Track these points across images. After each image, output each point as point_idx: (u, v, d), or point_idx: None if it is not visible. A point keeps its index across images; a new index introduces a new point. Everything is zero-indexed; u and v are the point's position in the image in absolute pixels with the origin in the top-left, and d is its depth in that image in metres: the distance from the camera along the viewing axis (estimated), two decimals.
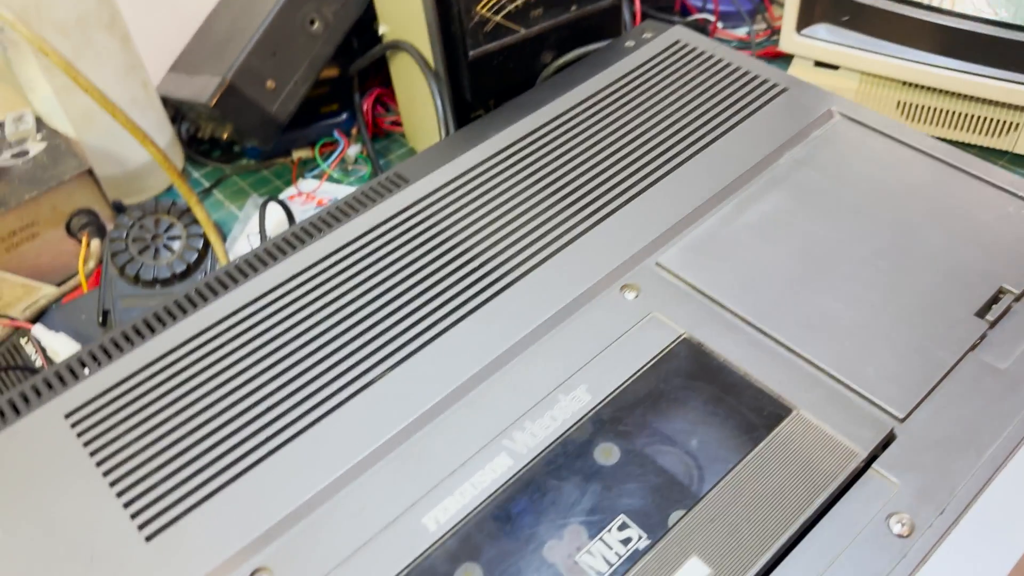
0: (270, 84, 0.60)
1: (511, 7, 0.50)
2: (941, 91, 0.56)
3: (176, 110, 0.67)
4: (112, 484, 0.31)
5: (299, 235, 0.40)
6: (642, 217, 0.39)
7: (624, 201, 0.40)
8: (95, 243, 0.55)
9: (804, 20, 0.59)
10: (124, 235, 0.50)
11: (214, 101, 0.58)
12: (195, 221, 0.51)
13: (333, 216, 0.40)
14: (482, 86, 0.51)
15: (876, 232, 0.37)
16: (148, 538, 0.30)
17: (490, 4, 0.49)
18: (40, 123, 0.61)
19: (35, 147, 0.58)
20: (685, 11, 0.71)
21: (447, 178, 0.41)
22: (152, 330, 0.36)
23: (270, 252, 0.39)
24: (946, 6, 0.54)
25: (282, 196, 0.61)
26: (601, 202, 0.40)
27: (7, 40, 0.57)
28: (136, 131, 0.47)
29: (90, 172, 0.57)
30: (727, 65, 0.46)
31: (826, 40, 0.58)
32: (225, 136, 0.62)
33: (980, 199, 0.38)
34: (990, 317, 0.33)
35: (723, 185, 0.40)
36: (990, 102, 0.54)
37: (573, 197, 0.40)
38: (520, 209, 0.40)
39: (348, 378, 0.34)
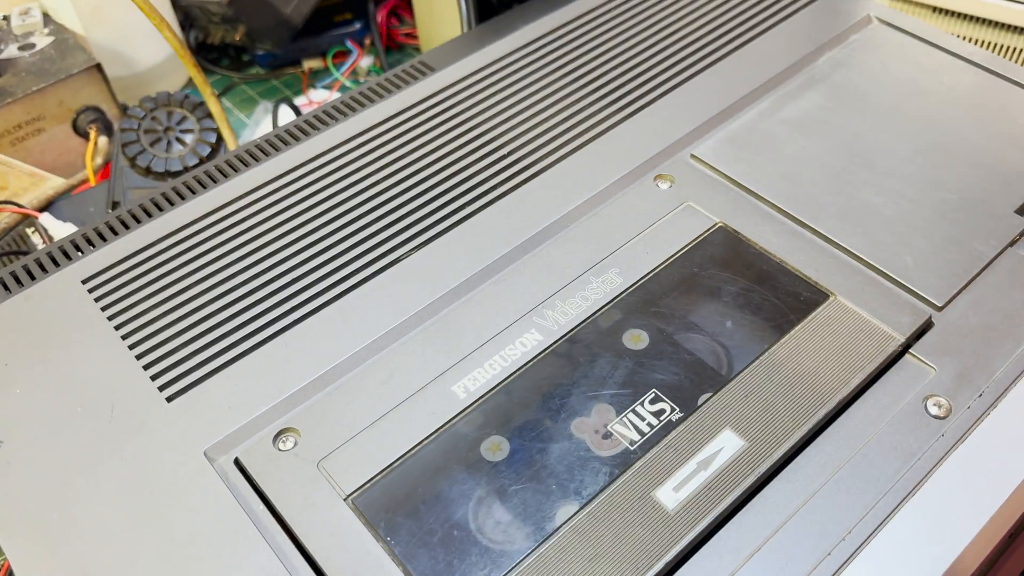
0: None
1: None
2: (969, 17, 0.54)
3: (185, 15, 0.65)
4: (131, 347, 0.30)
5: (321, 118, 0.39)
6: (677, 111, 0.38)
7: (659, 95, 0.39)
8: (103, 140, 0.54)
9: None
10: (136, 126, 0.48)
11: None
12: (208, 115, 0.49)
13: (356, 100, 0.39)
14: None
15: (915, 132, 0.36)
16: (169, 399, 0.29)
17: None
18: (48, 18, 0.59)
19: (42, 41, 0.57)
20: None
21: (475, 67, 0.40)
22: (171, 203, 0.35)
23: (291, 133, 0.38)
24: None
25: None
26: (635, 95, 0.39)
27: None
28: (153, 15, 0.46)
29: (98, 67, 0.55)
30: None
31: None
32: (237, 38, 0.60)
33: (1020, 103, 0.37)
34: None
35: (761, 82, 0.39)
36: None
37: (606, 90, 0.39)
38: (551, 100, 0.39)
39: (377, 253, 0.33)
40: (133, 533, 0.25)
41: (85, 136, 0.55)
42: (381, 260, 0.33)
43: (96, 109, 0.56)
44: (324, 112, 0.39)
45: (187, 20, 0.66)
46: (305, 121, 0.38)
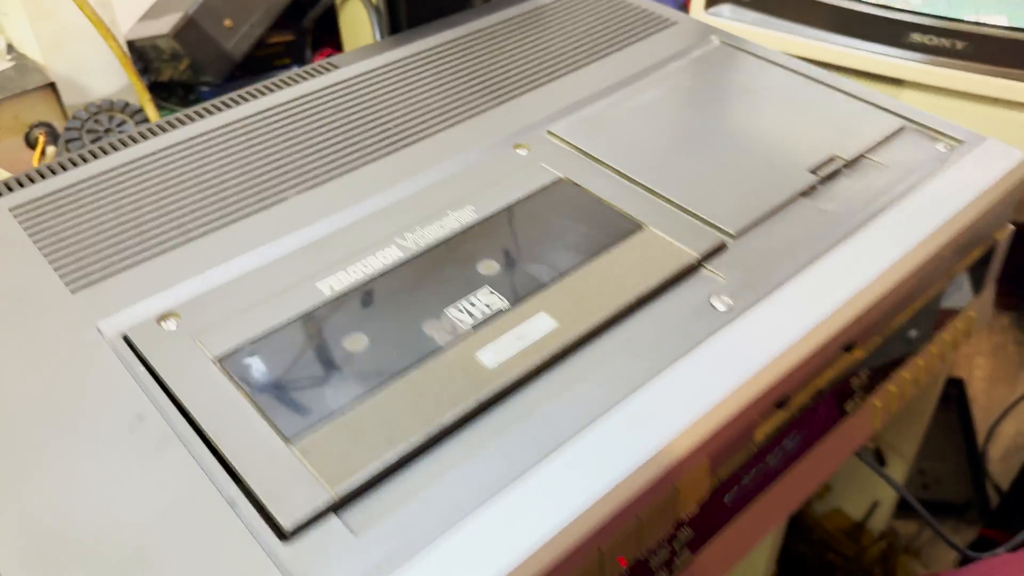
0: (228, 23, 0.66)
1: None
2: (836, 67, 0.63)
3: (138, 55, 0.72)
4: (46, 256, 0.35)
5: (235, 99, 0.45)
6: (538, 102, 0.45)
7: (525, 91, 0.46)
8: (51, 148, 0.59)
9: (711, 0, 0.66)
10: (79, 126, 0.54)
11: (175, 32, 0.63)
12: (146, 120, 0.55)
13: (267, 88, 0.46)
14: (416, 16, 0.57)
15: (734, 118, 0.43)
16: (73, 291, 0.33)
17: None
18: (11, 48, 0.65)
19: (3, 64, 0.63)
20: None
21: (374, 66, 0.47)
22: (95, 156, 0.41)
23: (207, 110, 0.44)
24: None
25: None
26: (506, 90, 0.46)
27: None
28: (117, 49, 0.52)
29: (52, 87, 0.62)
30: (631, 5, 0.53)
31: (730, 18, 0.66)
32: (182, 68, 0.67)
33: (828, 100, 0.45)
34: (821, 174, 0.39)
35: (614, 83, 0.46)
36: (877, 76, 0.62)
37: (483, 86, 0.46)
38: (437, 91, 0.45)
39: (270, 193, 0.38)
40: (30, 396, 0.30)
41: (35, 147, 0.60)
42: (271, 199, 0.38)
43: (48, 124, 0.62)
44: (237, 95, 0.45)
45: (139, 60, 0.73)
46: (221, 101, 0.44)
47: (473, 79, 0.46)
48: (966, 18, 0.58)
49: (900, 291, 0.35)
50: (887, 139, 0.42)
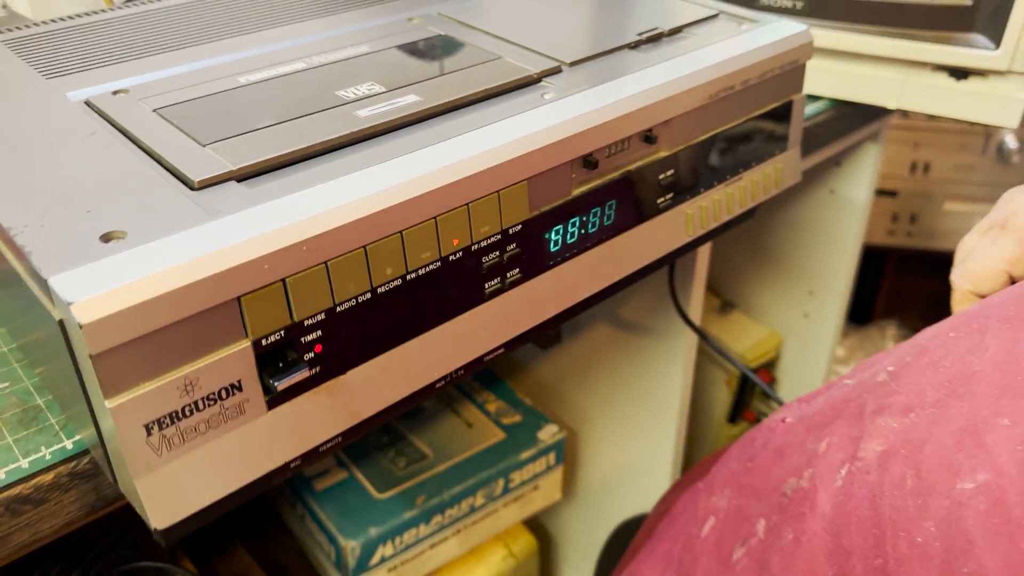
0: None
1: None
2: None
3: None
4: (28, 63, 0.45)
5: None
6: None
7: None
8: None
9: None
10: None
11: None
12: None
13: None
14: None
15: (589, 5, 0.55)
16: (47, 78, 0.43)
17: None
18: (5, 6, 0.76)
19: None
20: None
21: None
22: (71, 17, 0.51)
23: None
24: None
25: None
26: None
27: None
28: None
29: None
30: None
31: None
32: None
33: (669, 2, 0.56)
34: (645, 36, 0.50)
35: None
36: None
37: None
38: None
39: (209, 33, 0.49)
40: (19, 128, 0.39)
41: None
42: (212, 38, 0.48)
43: None
44: None
45: None
46: None
47: None
48: None
49: (688, 100, 0.46)
50: (702, 20, 0.53)
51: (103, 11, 0.53)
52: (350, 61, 0.46)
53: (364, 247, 0.34)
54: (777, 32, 0.51)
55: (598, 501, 0.98)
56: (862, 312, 1.52)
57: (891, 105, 0.74)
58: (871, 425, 0.36)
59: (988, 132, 1.32)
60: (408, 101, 0.41)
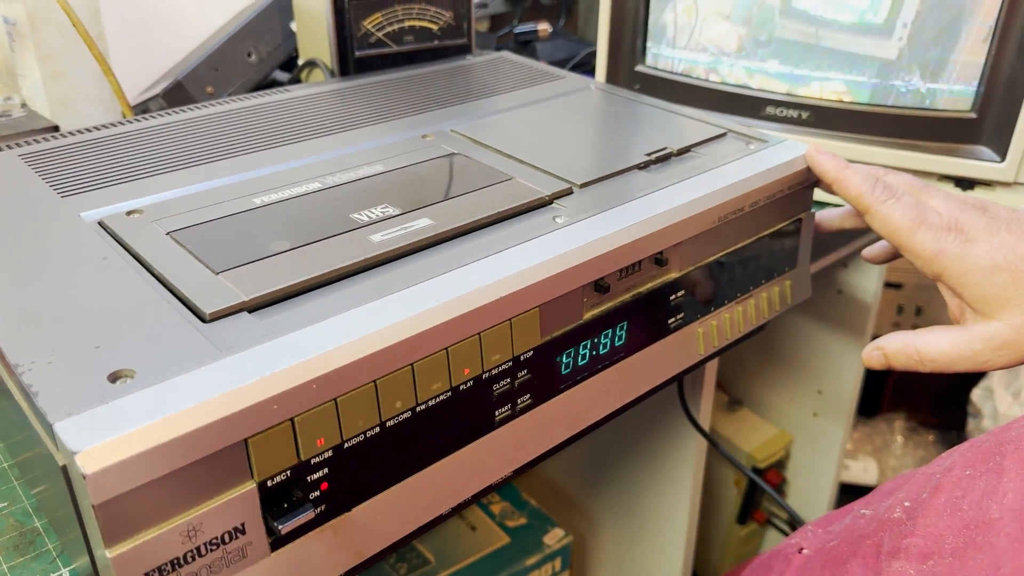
0: (209, 90, 0.79)
1: (389, 29, 0.71)
2: None
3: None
4: (44, 179, 0.45)
5: (222, 100, 0.57)
6: (448, 116, 0.57)
7: (440, 109, 0.58)
8: None
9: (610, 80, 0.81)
10: None
11: (165, 93, 0.77)
12: None
13: (246, 96, 0.58)
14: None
15: (597, 125, 0.56)
16: (63, 197, 0.43)
17: (374, 22, 0.70)
18: (25, 105, 0.78)
19: (16, 113, 0.75)
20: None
21: (324, 89, 0.60)
22: (90, 130, 0.52)
23: (200, 104, 0.56)
24: (714, 77, 0.76)
25: None
26: (424, 109, 0.58)
27: (16, 33, 0.76)
28: (115, 83, 0.65)
29: (56, 128, 0.74)
30: (533, 66, 0.67)
31: None
32: None
33: (674, 119, 0.57)
34: (654, 156, 0.51)
35: (507, 107, 0.59)
36: None
37: (407, 105, 0.58)
38: (370, 105, 0.58)
39: (224, 150, 0.49)
40: (32, 250, 0.39)
41: None
42: (228, 154, 0.49)
43: None
44: (227, 98, 0.57)
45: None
46: (208, 102, 0.56)
47: (400, 102, 0.59)
48: (807, 94, 0.73)
49: (698, 223, 0.46)
50: (711, 140, 0.54)
51: (120, 123, 0.54)
52: (364, 181, 0.47)
53: (375, 382, 0.33)
54: (785, 153, 0.51)
55: None
56: (870, 405, 1.50)
57: None
58: (888, 569, 0.35)
59: None
60: (421, 225, 0.42)
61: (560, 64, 0.97)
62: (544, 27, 1.04)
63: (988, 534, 0.33)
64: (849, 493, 1.20)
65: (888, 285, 1.36)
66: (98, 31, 0.75)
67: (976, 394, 1.35)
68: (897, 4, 0.68)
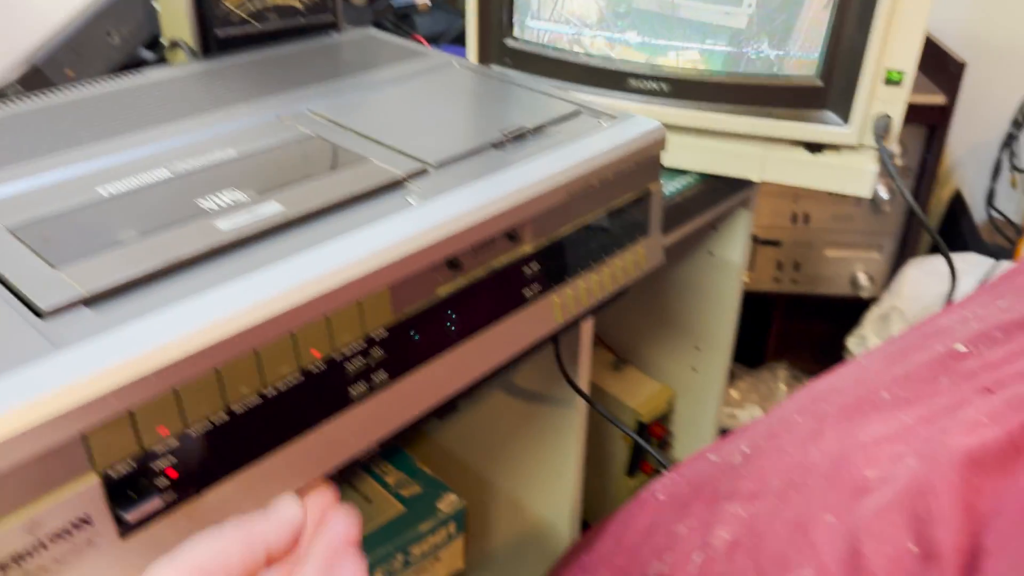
0: (70, 73, 0.76)
1: (251, 7, 0.70)
2: None
3: None
4: None
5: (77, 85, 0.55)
6: (308, 97, 0.57)
7: (299, 89, 0.58)
8: None
9: (483, 60, 0.82)
10: None
11: (21, 79, 0.73)
12: None
13: (99, 80, 0.56)
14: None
15: (454, 103, 0.57)
16: None
17: (235, 1, 0.69)
18: None
19: None
20: None
21: (181, 73, 0.59)
22: None
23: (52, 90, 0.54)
24: (577, 49, 0.78)
25: None
26: (283, 89, 0.58)
27: None
28: None
29: None
30: (403, 46, 0.68)
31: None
32: None
33: (530, 97, 0.59)
34: (509, 135, 0.53)
35: (367, 86, 0.59)
36: None
37: (265, 86, 0.58)
38: (227, 88, 0.57)
39: (72, 137, 0.49)
40: None
41: None
42: (75, 143, 0.48)
43: None
44: (83, 82, 0.55)
45: None
46: (64, 86, 0.55)
47: (260, 83, 0.59)
48: (664, 63, 0.76)
49: (549, 199, 0.48)
50: (564, 118, 0.56)
51: None
52: (214, 167, 0.47)
53: (217, 369, 0.34)
54: (632, 129, 0.54)
55: (504, 566, 0.98)
56: (754, 356, 1.58)
57: (754, 178, 0.78)
58: (722, 511, 0.38)
59: None
60: (270, 210, 0.42)
61: (439, 37, 0.98)
62: (423, 0, 1.04)
63: (806, 475, 0.36)
64: None
65: (766, 242, 1.43)
66: None
67: (851, 341, 1.44)
68: None
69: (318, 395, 0.39)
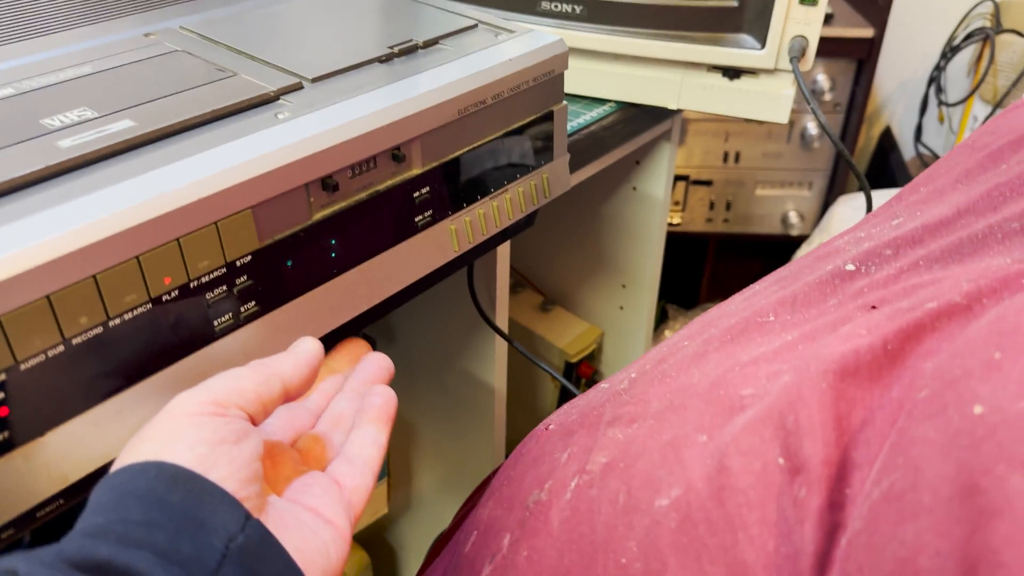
0: None
1: None
2: None
3: None
4: None
5: None
6: (181, 13, 0.53)
7: (171, 6, 0.53)
8: None
9: None
10: None
11: None
12: None
13: None
14: None
15: (340, 19, 0.53)
16: None
17: None
18: None
19: None
20: None
21: None
22: None
23: None
24: None
25: None
26: (149, 5, 0.53)
27: None
28: None
29: None
30: None
31: None
32: None
33: (426, 12, 0.55)
34: (397, 49, 0.49)
35: (244, 2, 0.55)
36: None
37: (128, 4, 0.53)
38: (91, 7, 0.52)
39: None
40: None
41: None
42: None
43: None
44: None
45: None
46: None
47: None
48: None
49: (437, 115, 0.45)
50: (460, 31, 0.52)
51: None
52: (65, 84, 0.42)
53: (48, 296, 0.31)
54: (530, 43, 0.51)
55: (429, 509, 0.97)
56: (688, 296, 1.58)
57: (672, 105, 0.76)
58: (603, 436, 0.37)
59: (791, 120, 1.40)
60: (121, 127, 0.38)
61: None
62: None
63: (686, 397, 0.34)
64: None
65: (698, 183, 1.42)
66: None
67: None
68: None
69: (175, 327, 0.36)
